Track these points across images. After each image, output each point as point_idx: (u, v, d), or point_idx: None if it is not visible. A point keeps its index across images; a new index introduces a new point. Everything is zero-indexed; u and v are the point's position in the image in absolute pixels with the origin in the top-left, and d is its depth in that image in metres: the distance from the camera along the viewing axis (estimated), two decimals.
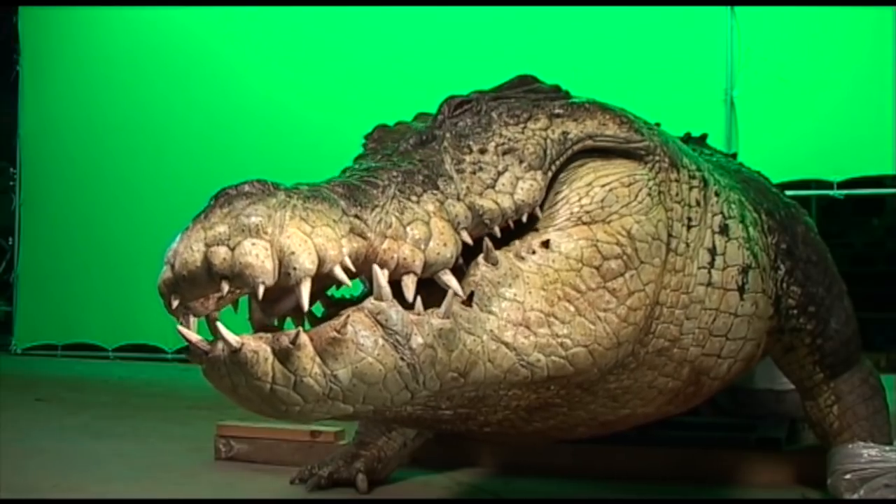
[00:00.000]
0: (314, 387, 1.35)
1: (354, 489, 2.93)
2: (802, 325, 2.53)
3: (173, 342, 7.95)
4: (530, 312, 1.63)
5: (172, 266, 1.36)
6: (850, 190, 6.28)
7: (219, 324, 1.34)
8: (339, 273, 1.36)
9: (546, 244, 1.74)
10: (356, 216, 1.42)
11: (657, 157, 1.99)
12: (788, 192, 2.99)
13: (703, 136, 3.12)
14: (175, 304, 1.39)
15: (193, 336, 1.39)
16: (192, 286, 1.36)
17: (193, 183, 7.78)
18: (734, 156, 3.43)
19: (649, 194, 1.90)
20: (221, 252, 1.32)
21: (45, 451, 3.64)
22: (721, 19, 6.40)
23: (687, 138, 2.90)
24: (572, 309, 1.69)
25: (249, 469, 3.31)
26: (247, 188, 1.39)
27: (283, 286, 1.33)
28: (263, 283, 1.31)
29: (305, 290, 1.33)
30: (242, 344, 1.34)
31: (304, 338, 1.35)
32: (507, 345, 1.58)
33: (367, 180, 1.53)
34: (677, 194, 2.03)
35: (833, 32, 6.18)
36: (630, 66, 6.48)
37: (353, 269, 1.39)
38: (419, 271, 1.46)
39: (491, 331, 1.56)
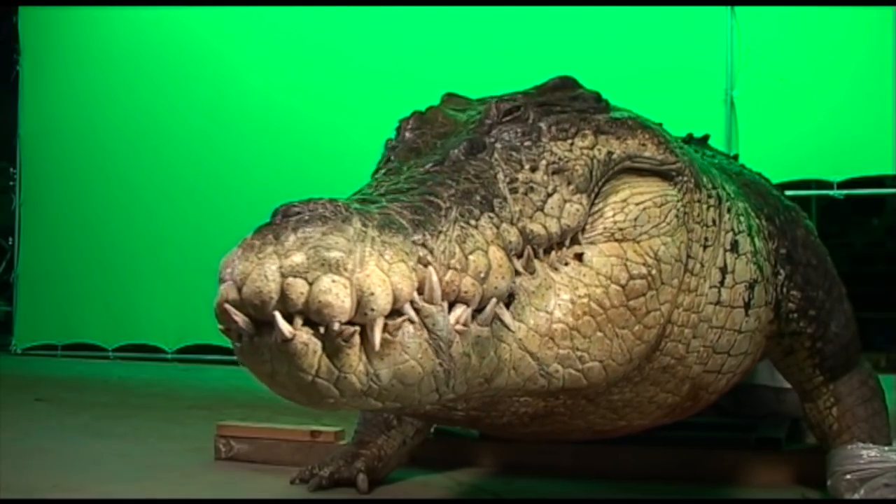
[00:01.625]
0: (355, 384, 1.34)
1: (355, 489, 2.93)
2: (802, 328, 2.53)
3: (173, 342, 7.96)
4: (557, 324, 1.64)
5: (240, 289, 1.31)
6: (850, 190, 6.29)
7: (276, 312, 1.28)
8: (410, 311, 1.35)
9: (579, 257, 1.75)
10: (423, 244, 1.41)
11: (685, 178, 2.01)
12: (788, 192, 2.99)
13: (705, 137, 3.12)
14: (238, 325, 1.32)
15: (240, 317, 1.32)
16: (260, 313, 1.31)
17: (194, 182, 7.81)
18: (735, 157, 3.42)
19: (676, 216, 1.93)
20: (299, 286, 1.27)
21: (45, 451, 3.63)
22: (721, 19, 6.41)
23: (689, 139, 2.90)
24: (594, 324, 1.71)
25: (249, 469, 3.31)
26: (319, 210, 1.35)
27: (357, 323, 1.30)
28: (340, 321, 1.28)
29: (379, 330, 1.31)
30: (294, 335, 1.29)
31: (357, 337, 1.32)
32: (531, 354, 1.59)
33: (429, 200, 1.52)
34: (698, 215, 2.05)
35: (833, 32, 6.18)
36: (630, 66, 6.48)
37: (418, 301, 1.37)
38: (475, 305, 1.45)
39: (520, 339, 1.57)
